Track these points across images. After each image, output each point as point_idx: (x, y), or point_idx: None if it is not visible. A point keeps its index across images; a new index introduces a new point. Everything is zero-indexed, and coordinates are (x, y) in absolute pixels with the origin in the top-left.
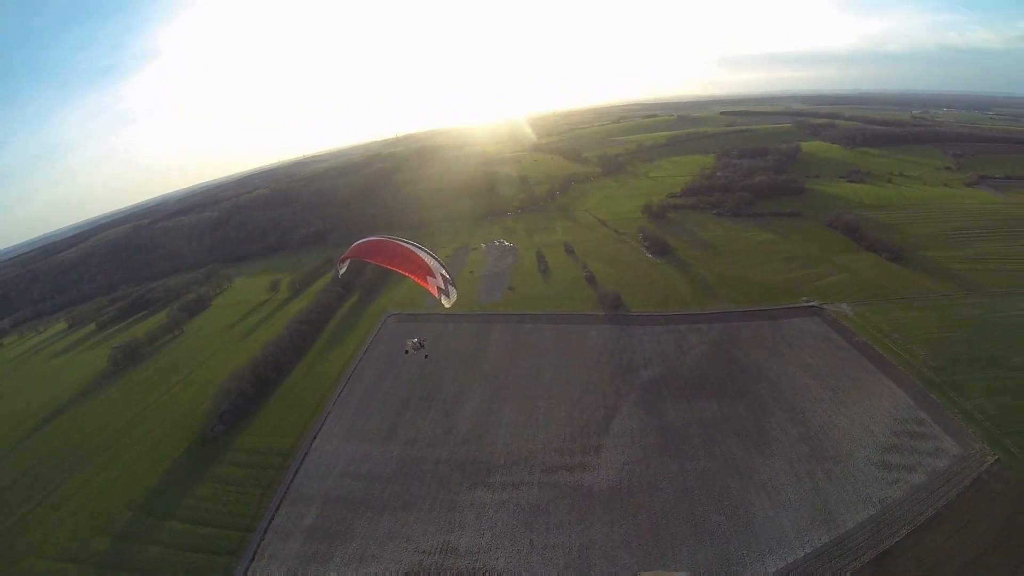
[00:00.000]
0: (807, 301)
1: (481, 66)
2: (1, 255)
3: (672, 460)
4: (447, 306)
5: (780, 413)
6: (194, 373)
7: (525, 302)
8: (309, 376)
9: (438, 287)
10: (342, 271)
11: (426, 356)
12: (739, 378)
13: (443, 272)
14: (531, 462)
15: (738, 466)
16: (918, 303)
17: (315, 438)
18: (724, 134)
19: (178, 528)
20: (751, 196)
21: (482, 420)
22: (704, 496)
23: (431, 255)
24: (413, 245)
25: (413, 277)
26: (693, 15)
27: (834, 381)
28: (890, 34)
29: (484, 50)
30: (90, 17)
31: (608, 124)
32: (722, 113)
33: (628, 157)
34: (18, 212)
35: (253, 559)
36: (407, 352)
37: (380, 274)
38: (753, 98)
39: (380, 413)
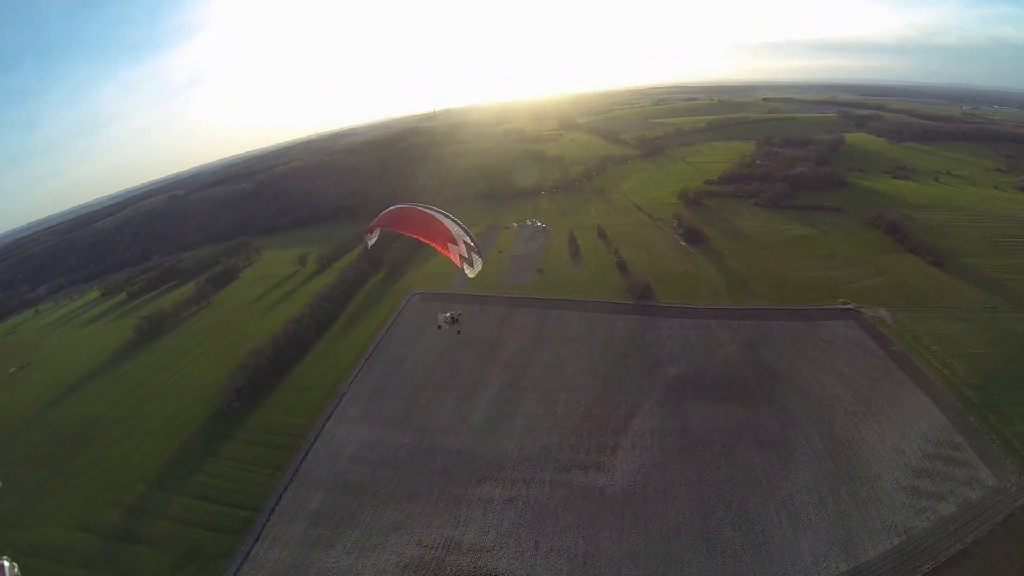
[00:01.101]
0: (844, 303)
1: (524, 45)
2: (41, 224)
3: (690, 467)
4: (471, 276)
5: (807, 424)
6: (216, 347)
7: (553, 286)
8: (328, 355)
9: (460, 255)
10: (371, 242)
11: (459, 332)
12: (767, 382)
13: (467, 240)
14: (544, 458)
15: (759, 478)
16: (961, 314)
17: (328, 419)
18: (765, 121)
19: (187, 504)
20: (791, 187)
21: (499, 410)
22: (720, 508)
23: (455, 222)
24: (437, 212)
25: (434, 244)
26: None
27: (867, 393)
28: (942, 25)
29: (529, 29)
30: None
31: (647, 106)
32: (764, 99)
33: (666, 140)
34: (60, 182)
35: (257, 540)
36: (440, 327)
37: (408, 251)
38: (797, 85)
39: (395, 397)
